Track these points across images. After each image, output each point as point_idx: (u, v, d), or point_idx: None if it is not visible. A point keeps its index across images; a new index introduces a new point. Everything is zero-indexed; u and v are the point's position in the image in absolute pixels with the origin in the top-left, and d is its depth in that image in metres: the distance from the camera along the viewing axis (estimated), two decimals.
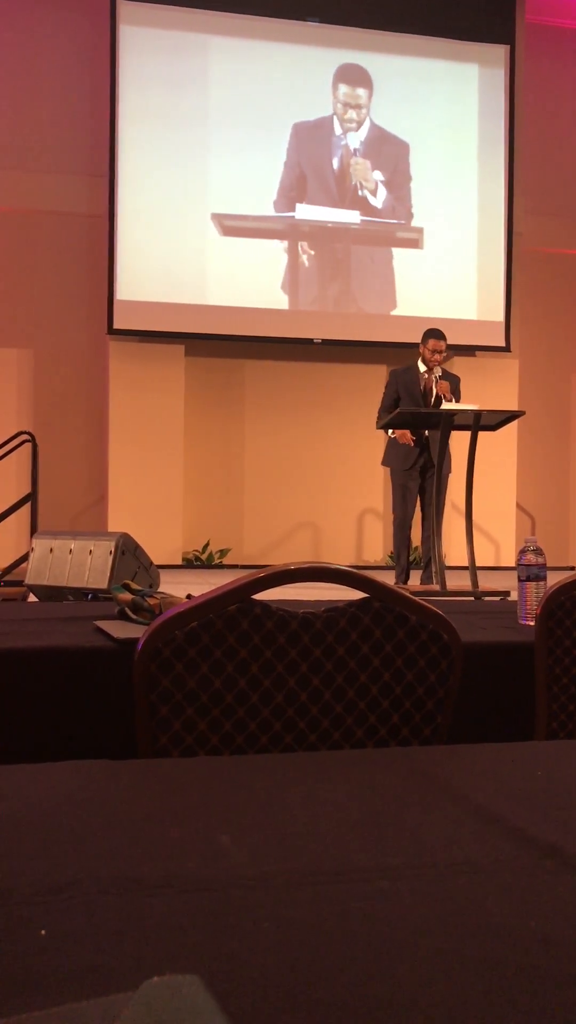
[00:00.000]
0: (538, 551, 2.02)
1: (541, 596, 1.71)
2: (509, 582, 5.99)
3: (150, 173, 8.26)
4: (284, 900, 0.62)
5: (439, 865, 0.68)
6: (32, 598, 4.18)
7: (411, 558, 6.69)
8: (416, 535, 6.56)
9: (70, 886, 0.63)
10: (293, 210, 8.60)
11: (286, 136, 8.60)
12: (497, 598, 5.11)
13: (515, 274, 8.98)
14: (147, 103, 8.26)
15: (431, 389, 6.11)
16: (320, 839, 0.73)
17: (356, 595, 1.30)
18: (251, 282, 8.46)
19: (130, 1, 8.22)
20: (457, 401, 5.91)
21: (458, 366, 8.84)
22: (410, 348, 6.76)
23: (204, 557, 8.59)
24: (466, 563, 5.54)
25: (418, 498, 6.24)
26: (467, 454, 5.59)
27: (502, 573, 7.92)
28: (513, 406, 8.29)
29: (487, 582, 5.80)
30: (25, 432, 7.23)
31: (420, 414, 5.78)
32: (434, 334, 6.23)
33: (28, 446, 7.10)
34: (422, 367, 6.24)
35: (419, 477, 6.17)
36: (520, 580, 2.02)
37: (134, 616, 1.91)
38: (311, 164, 8.65)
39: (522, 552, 2.02)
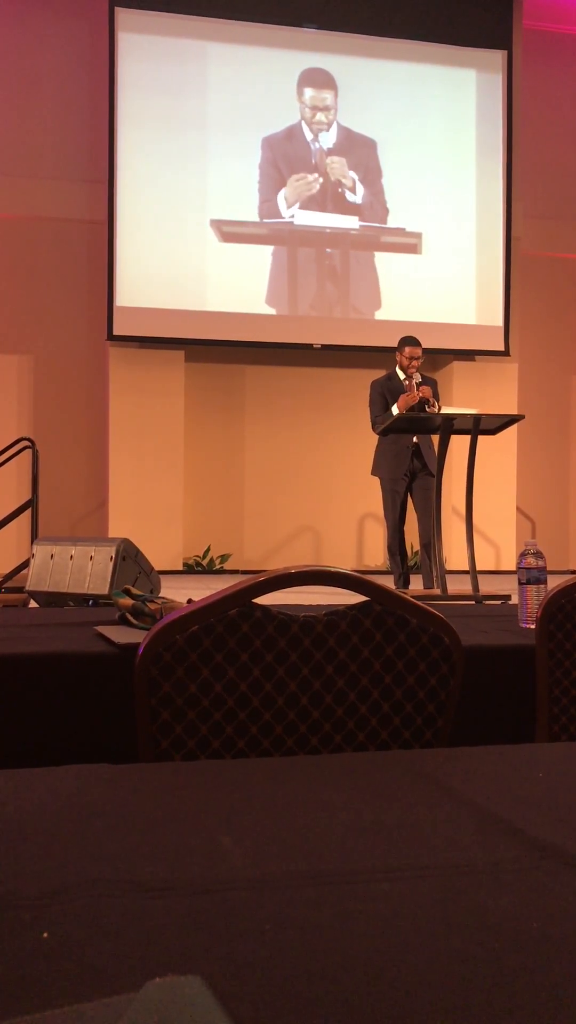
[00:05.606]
0: (538, 554, 2.02)
1: (541, 599, 1.71)
2: (510, 586, 6.01)
3: (149, 179, 8.28)
4: (285, 902, 0.62)
5: (440, 867, 0.68)
6: (33, 604, 4.18)
7: (412, 563, 6.69)
8: (412, 538, 6.55)
9: (72, 889, 0.63)
10: (295, 215, 8.62)
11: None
12: (498, 602, 5.11)
13: (514, 278, 8.99)
14: (146, 109, 8.28)
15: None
16: (321, 841, 0.73)
17: (357, 599, 1.30)
18: (250, 287, 8.47)
19: (128, 8, 8.25)
20: (438, 404, 5.93)
21: (457, 370, 8.86)
22: None
23: (205, 562, 8.59)
24: (467, 567, 5.55)
25: (409, 502, 6.26)
26: (467, 458, 5.59)
27: (503, 577, 7.93)
28: (512, 410, 8.30)
29: (488, 586, 5.81)
30: (25, 438, 7.24)
31: (419, 419, 5.78)
32: (410, 341, 6.27)
33: (28, 452, 7.10)
34: (401, 374, 6.26)
35: (407, 482, 6.19)
36: (520, 583, 2.02)
37: (135, 621, 1.91)
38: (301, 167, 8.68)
39: (522, 556, 2.02)
